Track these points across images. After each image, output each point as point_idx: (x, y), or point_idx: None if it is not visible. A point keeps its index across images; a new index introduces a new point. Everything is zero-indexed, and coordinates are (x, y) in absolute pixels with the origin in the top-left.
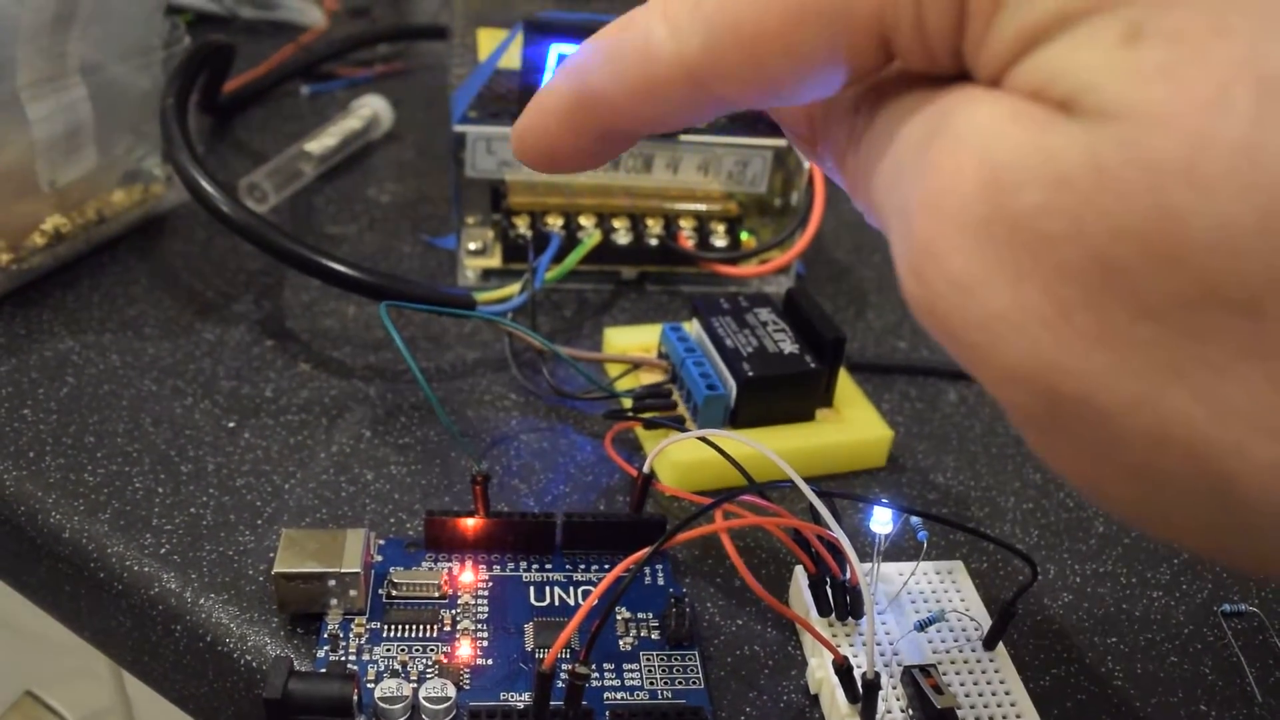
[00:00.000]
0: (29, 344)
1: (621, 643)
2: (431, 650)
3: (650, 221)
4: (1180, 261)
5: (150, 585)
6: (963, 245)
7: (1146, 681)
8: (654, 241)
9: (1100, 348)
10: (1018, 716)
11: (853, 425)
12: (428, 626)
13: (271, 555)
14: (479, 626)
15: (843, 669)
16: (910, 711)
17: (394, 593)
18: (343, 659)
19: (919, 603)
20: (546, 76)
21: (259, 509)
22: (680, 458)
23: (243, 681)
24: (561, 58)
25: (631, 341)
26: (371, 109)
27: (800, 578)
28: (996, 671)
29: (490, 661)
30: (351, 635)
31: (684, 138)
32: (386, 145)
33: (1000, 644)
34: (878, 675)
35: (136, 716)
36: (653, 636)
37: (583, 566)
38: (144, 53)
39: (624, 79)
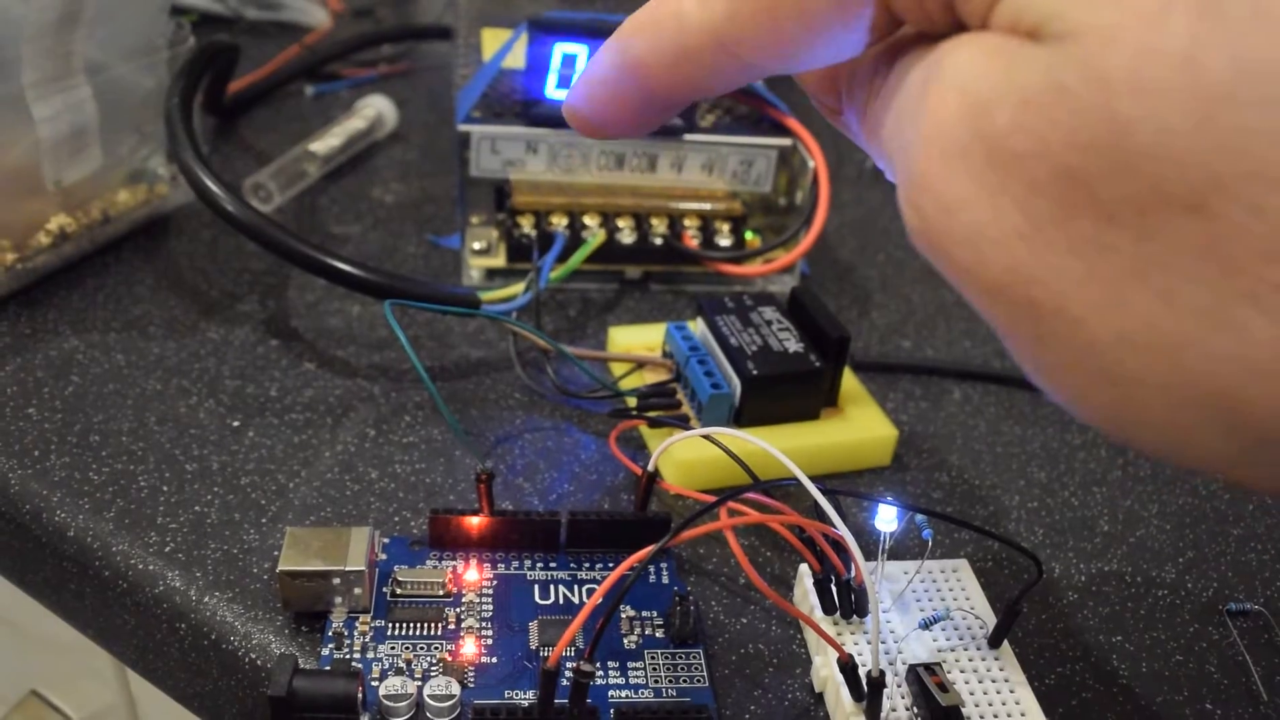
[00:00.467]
0: (34, 343)
1: (626, 641)
2: (436, 648)
3: (655, 221)
4: (1131, 168)
5: (155, 584)
6: (948, 171)
7: (1152, 680)
8: (658, 241)
9: (1069, 256)
10: (1022, 714)
11: (857, 424)
12: (432, 624)
13: (276, 553)
14: (483, 625)
15: (847, 667)
16: (915, 710)
17: (399, 591)
18: (347, 657)
19: (924, 601)
20: (550, 77)
21: (264, 507)
22: (684, 456)
23: (247, 680)
24: (566, 57)
25: (636, 340)
26: (376, 109)
27: (805, 576)
28: (1001, 670)
29: (495, 660)
30: (356, 633)
31: (689, 137)
32: (391, 145)
33: (1005, 642)
34: (882, 673)
35: (141, 715)
36: (657, 635)
37: (587, 565)
38: (149, 53)
39: (661, 48)
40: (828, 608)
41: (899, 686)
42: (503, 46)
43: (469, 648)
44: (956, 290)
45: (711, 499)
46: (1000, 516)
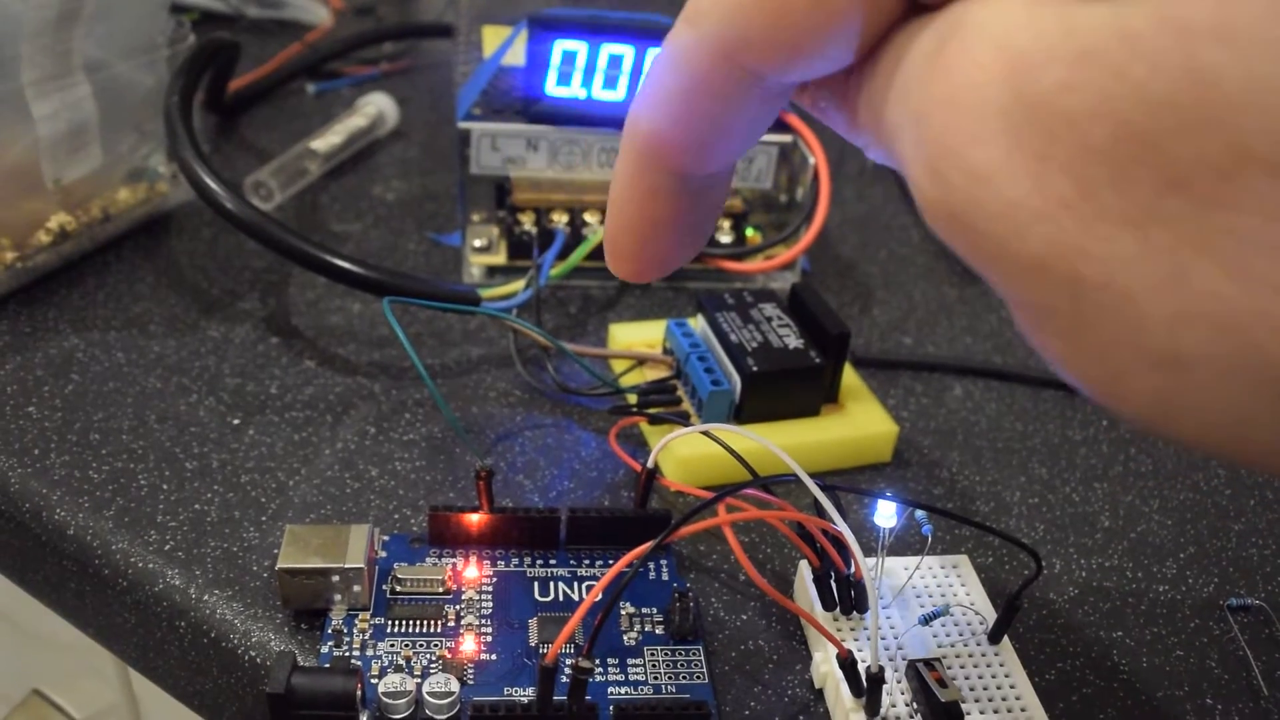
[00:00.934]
0: (34, 342)
1: (626, 638)
2: (435, 645)
3: None
4: (1212, 125)
5: (154, 582)
6: (980, 135)
7: (1152, 675)
8: None
9: (1126, 227)
10: (1023, 710)
11: (858, 420)
12: (432, 622)
13: (276, 551)
14: (483, 622)
15: (847, 663)
16: (915, 705)
17: (398, 588)
18: (347, 654)
19: (924, 597)
20: (550, 74)
21: (263, 505)
22: (684, 453)
23: (247, 677)
24: (566, 54)
25: (636, 337)
26: (377, 107)
27: (805, 572)
28: (1001, 665)
29: (494, 657)
30: (355, 631)
31: None
32: (392, 143)
33: (1005, 638)
34: (882, 669)
35: (143, 715)
36: (657, 631)
37: (587, 562)
38: (148, 51)
39: (671, 101)
40: (827, 604)
41: (899, 682)
42: (503, 43)
43: (468, 645)
44: (973, 269)
45: (711, 496)
46: (1001, 512)
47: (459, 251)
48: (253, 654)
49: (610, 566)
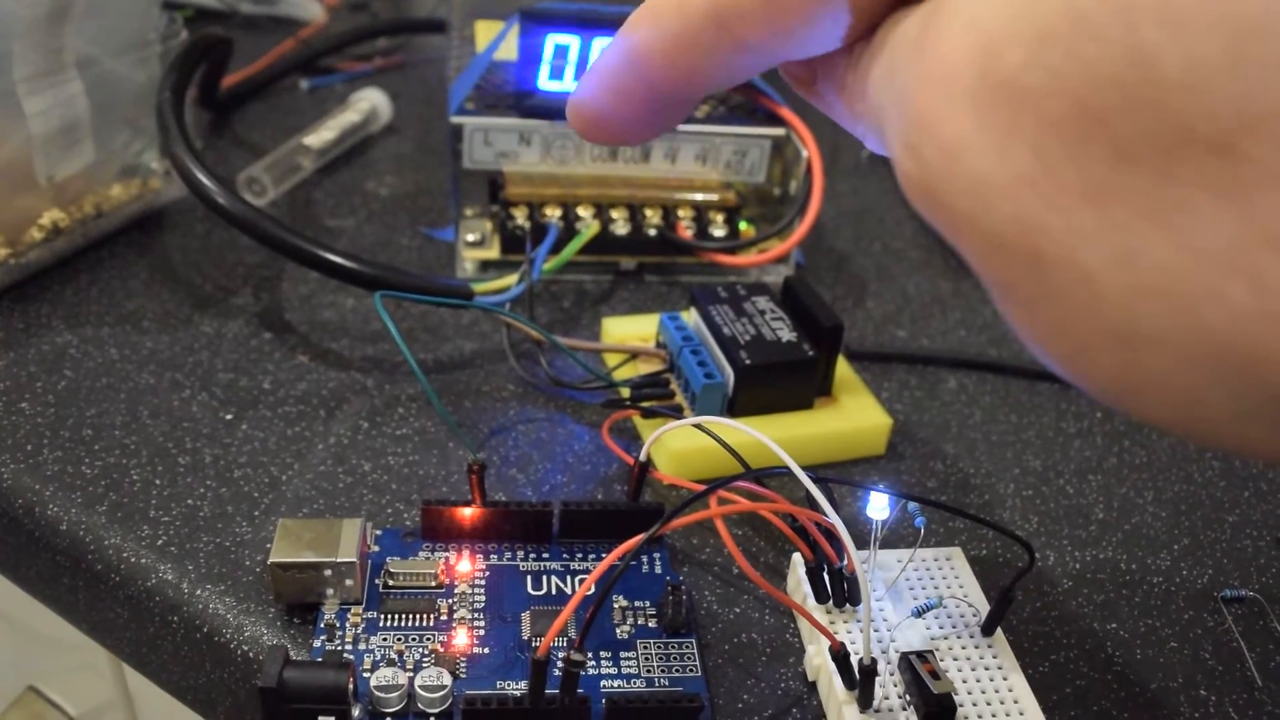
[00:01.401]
0: (27, 338)
1: (618, 631)
2: (428, 639)
3: (649, 212)
4: (1154, 103)
5: (147, 576)
6: (953, 112)
7: (1146, 667)
8: (652, 232)
9: (1083, 202)
10: (1016, 702)
11: (852, 413)
12: (424, 616)
13: (268, 546)
14: (475, 615)
15: (840, 655)
16: (907, 698)
17: (390, 582)
18: (339, 648)
19: (917, 589)
20: (543, 68)
21: (256, 500)
22: (677, 446)
23: (240, 672)
24: (558, 48)
25: (630, 331)
26: (370, 102)
27: (798, 565)
28: (995, 657)
29: (487, 650)
30: (348, 625)
31: (683, 127)
32: (385, 139)
33: (999, 630)
34: (874, 661)
35: (138, 710)
36: (650, 624)
37: (580, 555)
38: (141, 47)
39: (662, 34)
40: (820, 596)
41: (891, 675)
42: (495, 38)
43: (461, 639)
44: (951, 243)
45: (703, 489)
46: (994, 505)
47: (452, 246)
48: (245, 648)
49: (603, 560)
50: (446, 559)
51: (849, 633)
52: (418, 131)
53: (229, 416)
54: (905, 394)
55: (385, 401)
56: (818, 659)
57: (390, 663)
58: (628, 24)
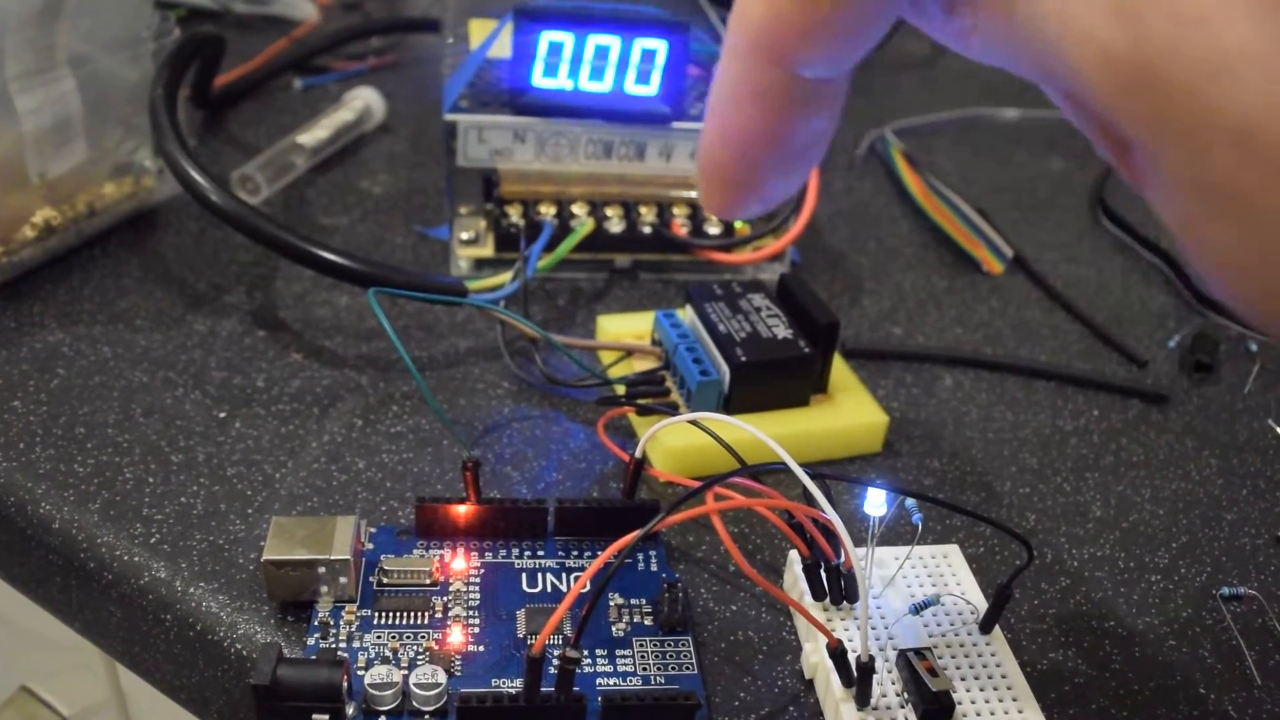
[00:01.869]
0: (19, 336)
1: (614, 628)
2: (423, 637)
3: (644, 209)
4: None
5: (140, 575)
6: None
7: (1145, 665)
8: (647, 229)
9: None
10: (1014, 700)
11: (848, 411)
12: (419, 613)
13: (262, 544)
14: (470, 613)
15: (837, 653)
16: (905, 695)
17: (385, 580)
18: (333, 646)
19: (914, 586)
20: (536, 65)
21: (249, 498)
22: (673, 443)
23: (233, 670)
24: (552, 45)
25: (625, 329)
26: (364, 101)
27: (795, 562)
28: (993, 655)
29: (482, 648)
30: (342, 623)
31: (677, 125)
32: (379, 137)
33: (996, 627)
34: (872, 659)
35: (131, 710)
36: (646, 622)
37: (575, 553)
38: (133, 45)
39: (724, 112)
40: (817, 594)
41: (889, 672)
42: (489, 35)
43: (456, 636)
44: (1137, 138)
45: (699, 485)
46: (992, 503)
47: (446, 245)
48: (239, 647)
49: (598, 557)
50: (441, 556)
51: (846, 630)
52: (412, 130)
53: (222, 415)
54: (901, 391)
55: (379, 399)
56: (815, 656)
57: (385, 660)
58: (734, 28)
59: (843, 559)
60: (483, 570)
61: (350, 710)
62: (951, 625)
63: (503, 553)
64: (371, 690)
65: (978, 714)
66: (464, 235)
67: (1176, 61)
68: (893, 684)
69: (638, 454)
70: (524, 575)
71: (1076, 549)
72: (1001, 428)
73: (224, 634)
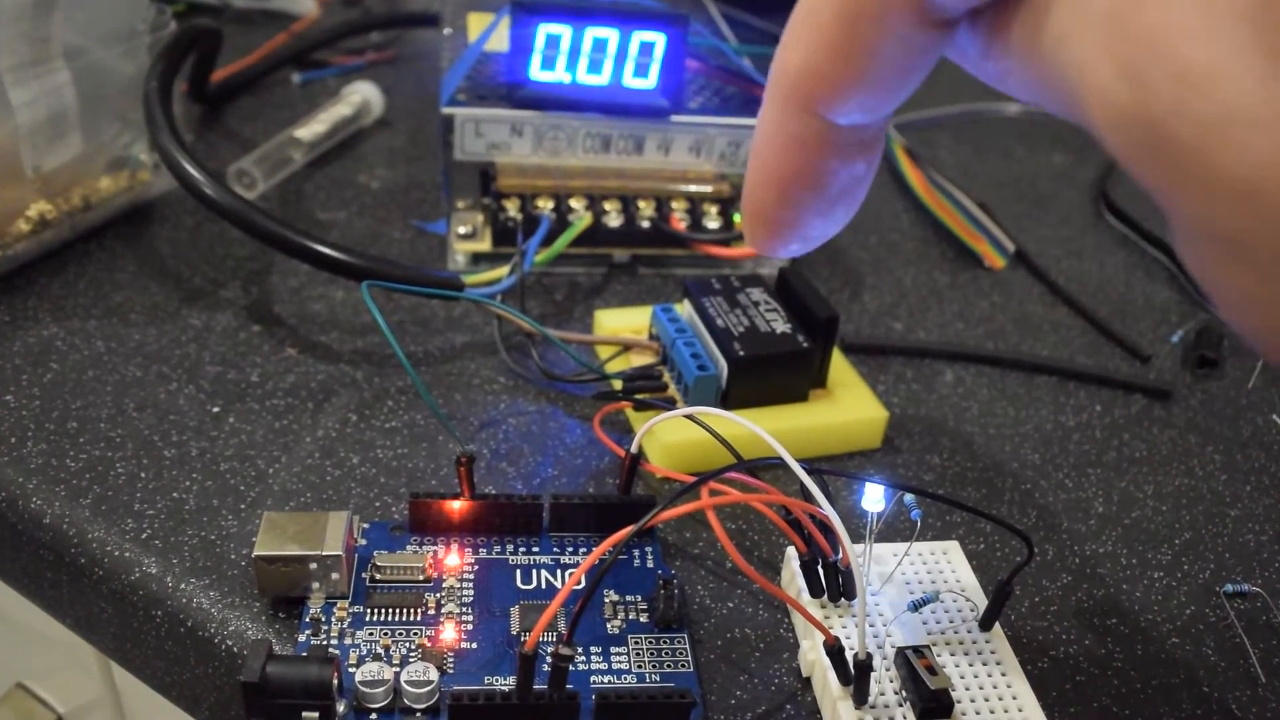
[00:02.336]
0: (13, 330)
1: (609, 625)
2: (415, 634)
3: (642, 203)
4: None
5: (131, 570)
6: (1203, 31)
7: (1147, 663)
8: (646, 224)
9: None
10: (1014, 698)
11: (847, 406)
12: (411, 610)
13: (254, 539)
14: (464, 610)
15: (835, 650)
16: (904, 693)
17: (377, 576)
18: (325, 643)
19: (913, 583)
20: (534, 59)
21: (242, 493)
22: (669, 438)
23: (224, 667)
24: (549, 38)
25: (622, 323)
26: (362, 95)
27: (792, 558)
28: (993, 653)
29: (475, 645)
30: (334, 619)
31: (676, 119)
32: (377, 132)
33: (996, 625)
34: (870, 657)
35: (125, 707)
36: (641, 619)
37: (570, 549)
38: (129, 38)
39: (824, 30)
40: (815, 591)
41: (887, 670)
42: (486, 28)
43: (449, 633)
44: (1154, 193)
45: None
46: (992, 499)
47: (444, 239)
48: (230, 643)
49: (593, 553)
50: (434, 552)
51: (844, 627)
52: (410, 125)
53: (216, 409)
54: (901, 387)
55: (374, 394)
56: (812, 654)
57: (376, 657)
58: (774, 75)
59: (840, 555)
60: (476, 566)
61: (341, 708)
62: (951, 623)
63: (497, 549)
64: (362, 687)
65: (977, 713)
66: (461, 229)
67: (1183, 121)
68: (891, 682)
69: (634, 449)
70: (518, 571)
71: (1078, 545)
72: (1003, 423)
73: (215, 630)
